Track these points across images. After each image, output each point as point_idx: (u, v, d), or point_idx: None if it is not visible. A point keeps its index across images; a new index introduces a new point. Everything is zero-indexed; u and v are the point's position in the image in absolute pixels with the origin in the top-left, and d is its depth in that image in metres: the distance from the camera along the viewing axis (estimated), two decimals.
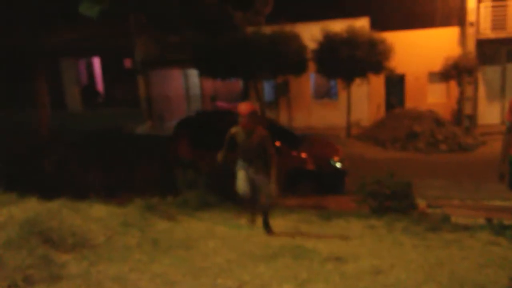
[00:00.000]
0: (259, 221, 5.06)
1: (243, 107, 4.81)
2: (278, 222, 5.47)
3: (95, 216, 3.83)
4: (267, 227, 5.01)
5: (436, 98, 17.42)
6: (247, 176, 4.88)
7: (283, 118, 18.19)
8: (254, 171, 4.89)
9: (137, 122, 18.14)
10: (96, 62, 21.64)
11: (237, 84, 20.21)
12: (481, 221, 5.84)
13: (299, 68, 15.98)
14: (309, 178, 8.95)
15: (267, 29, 15.69)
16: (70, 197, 5.13)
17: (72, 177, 8.41)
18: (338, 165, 9.10)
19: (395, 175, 6.86)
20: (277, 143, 9.16)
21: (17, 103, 15.70)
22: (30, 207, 3.37)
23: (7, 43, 10.89)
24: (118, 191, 7.86)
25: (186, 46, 16.29)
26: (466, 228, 5.27)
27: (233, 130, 4.97)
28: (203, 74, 17.14)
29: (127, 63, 20.46)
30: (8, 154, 8.65)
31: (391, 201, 6.57)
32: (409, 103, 17.40)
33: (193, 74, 19.67)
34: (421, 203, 7.03)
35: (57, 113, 16.31)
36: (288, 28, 15.73)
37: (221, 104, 20.23)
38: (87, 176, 8.48)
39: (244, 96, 19.17)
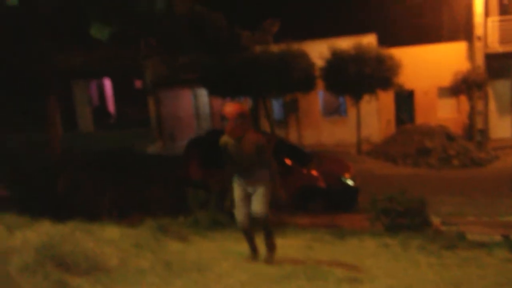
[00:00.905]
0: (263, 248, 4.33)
1: (229, 109, 3.95)
2: (290, 242, 5.42)
3: (107, 238, 3.83)
4: (270, 246, 4.28)
5: (447, 113, 17.33)
6: (244, 196, 4.16)
7: (292, 136, 18.19)
8: (251, 187, 4.14)
9: (148, 142, 18.24)
10: (107, 83, 21.92)
11: (247, 102, 20.32)
12: (497, 238, 5.74)
13: (308, 86, 16.05)
14: (320, 195, 8.89)
15: (275, 48, 15.83)
16: (82, 218, 5.15)
17: (84, 197, 8.44)
18: (349, 182, 9.04)
19: (407, 191, 6.79)
20: (287, 161, 9.14)
21: (30, 124, 15.90)
22: (44, 231, 3.38)
23: (20, 65, 11.10)
24: (129, 211, 7.86)
25: (195, 66, 16.48)
26: (482, 245, 5.18)
27: (222, 140, 4.13)
28: (212, 93, 17.28)
29: (138, 84, 20.71)
30: (21, 175, 8.72)
31: (404, 218, 6.49)
32: (419, 119, 17.33)
33: (203, 93, 19.82)
34: (435, 220, 6.94)
35: (69, 134, 16.48)
36: (295, 46, 15.85)
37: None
38: (99, 196, 8.50)
39: (253, 114, 19.24)
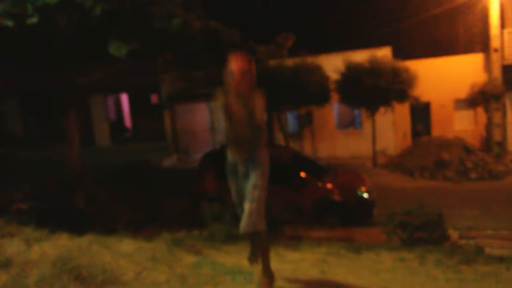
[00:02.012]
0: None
1: (238, 64, 3.31)
2: (305, 256, 5.39)
3: (124, 252, 3.86)
4: (253, 256, 3.66)
5: (463, 125, 17.14)
6: (240, 189, 3.45)
7: (307, 149, 18.16)
8: (244, 167, 3.41)
9: (163, 156, 18.40)
10: (124, 98, 22.26)
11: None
12: None
13: (322, 99, 16.06)
14: (335, 209, 8.84)
15: (290, 62, 15.92)
16: (99, 232, 5.21)
17: (100, 211, 8.53)
18: (365, 195, 8.97)
19: (424, 205, 6.72)
20: (302, 174, 9.13)
21: (48, 139, 16.21)
22: (61, 244, 3.44)
23: (38, 82, 11.37)
24: (145, 224, 7.92)
25: (211, 80, 16.64)
26: (501, 259, 5.08)
27: (221, 100, 3.37)
28: None
29: (154, 98, 20.98)
30: (39, 190, 8.86)
31: (421, 232, 6.41)
32: (436, 131, 17.16)
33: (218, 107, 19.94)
34: (453, 234, 6.83)
35: (86, 149, 16.72)
36: (310, 60, 15.93)
37: None
38: (115, 210, 8.59)
39: (268, 127, 19.28)
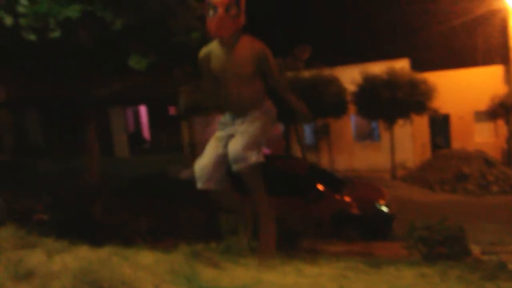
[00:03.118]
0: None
1: None
2: (323, 270, 5.32)
3: (143, 264, 3.87)
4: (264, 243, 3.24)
5: (484, 138, 16.87)
6: (218, 151, 3.06)
7: (324, 161, 18.07)
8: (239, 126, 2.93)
9: (181, 167, 18.48)
10: (143, 109, 22.53)
11: (278, 127, 20.41)
12: None
13: (339, 110, 16.03)
14: (354, 222, 8.73)
15: (306, 74, 15.94)
16: (117, 243, 5.23)
17: (119, 222, 8.60)
18: (384, 208, 8.86)
19: (446, 219, 6.59)
20: (320, 187, 9.07)
21: (68, 150, 16.45)
22: (82, 255, 3.46)
23: (59, 93, 11.59)
24: (163, 236, 7.94)
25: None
26: None
27: (203, 50, 2.90)
28: None
29: (172, 110, 21.19)
30: (59, 200, 8.99)
31: (443, 247, 6.29)
32: (456, 143, 16.93)
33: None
34: (475, 249, 6.69)
35: (105, 159, 16.92)
36: (327, 71, 15.92)
37: (265, 150, 20.41)
38: (134, 221, 8.64)
39: (285, 139, 19.25)
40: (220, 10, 2.62)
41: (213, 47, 2.83)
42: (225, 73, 2.81)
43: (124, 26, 5.82)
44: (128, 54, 6.08)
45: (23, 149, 19.50)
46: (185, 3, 6.25)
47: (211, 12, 2.65)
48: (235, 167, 2.89)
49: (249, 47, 2.81)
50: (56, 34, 5.86)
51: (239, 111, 2.94)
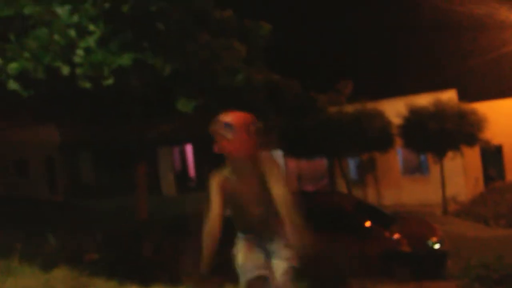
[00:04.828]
0: None
1: (235, 115, 2.58)
2: None
3: None
4: None
5: None
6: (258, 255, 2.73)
7: (371, 196, 17.66)
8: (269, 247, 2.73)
9: None
10: (189, 148, 23.08)
11: (322, 162, 20.26)
12: None
13: (385, 144, 15.77)
14: (405, 261, 8.40)
15: (350, 108, 15.91)
16: (165, 282, 5.31)
17: (166, 261, 8.70)
18: (436, 246, 8.49)
19: (503, 256, 6.25)
20: (368, 223, 8.86)
21: (119, 189, 17.02)
22: None
23: (111, 135, 12.15)
24: (209, 274, 7.94)
25: (271, 129, 16.94)
26: None
27: (217, 178, 2.75)
28: (287, 154, 17.50)
29: (216, 148, 21.55)
30: (110, 239, 9.25)
31: (501, 286, 5.95)
32: (510, 175, 16.14)
33: (278, 155, 20.12)
34: None
35: (153, 197, 17.34)
36: (370, 105, 15.82)
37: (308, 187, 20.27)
38: (180, 259, 8.73)
39: (329, 174, 19.07)
40: (237, 132, 2.52)
41: (227, 173, 2.69)
42: (244, 196, 2.62)
43: (172, 70, 6.12)
44: (176, 98, 6.34)
45: (76, 190, 20.35)
46: (230, 47, 6.51)
47: (225, 134, 2.52)
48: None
49: (264, 163, 2.63)
50: (109, 81, 6.23)
51: (263, 227, 2.70)
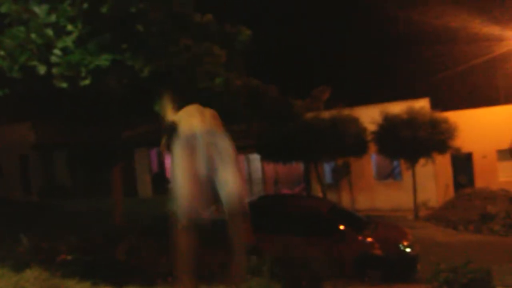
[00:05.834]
0: None
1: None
2: None
3: None
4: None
5: (508, 176, 16.54)
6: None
7: (345, 200, 17.93)
8: None
9: None
10: None
11: (298, 167, 20.45)
12: None
13: (359, 150, 16.04)
14: (377, 264, 8.59)
15: (326, 114, 16.14)
16: (140, 284, 5.30)
17: (140, 262, 8.65)
18: (408, 249, 8.71)
19: (471, 260, 6.47)
20: (341, 227, 9.01)
21: (94, 191, 16.80)
22: None
23: (87, 136, 12.01)
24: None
25: (248, 133, 17.02)
26: None
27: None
28: (265, 158, 17.61)
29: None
30: (84, 241, 9.14)
31: None
32: (479, 182, 16.63)
33: (255, 158, 20.22)
34: None
35: (129, 199, 17.18)
36: (346, 111, 16.08)
37: (285, 191, 20.44)
38: (155, 262, 8.68)
39: (305, 178, 19.26)
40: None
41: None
42: None
43: (151, 72, 6.13)
44: (154, 99, 6.36)
45: (51, 190, 19.96)
46: (210, 52, 6.56)
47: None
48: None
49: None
50: (86, 82, 6.20)
51: None
